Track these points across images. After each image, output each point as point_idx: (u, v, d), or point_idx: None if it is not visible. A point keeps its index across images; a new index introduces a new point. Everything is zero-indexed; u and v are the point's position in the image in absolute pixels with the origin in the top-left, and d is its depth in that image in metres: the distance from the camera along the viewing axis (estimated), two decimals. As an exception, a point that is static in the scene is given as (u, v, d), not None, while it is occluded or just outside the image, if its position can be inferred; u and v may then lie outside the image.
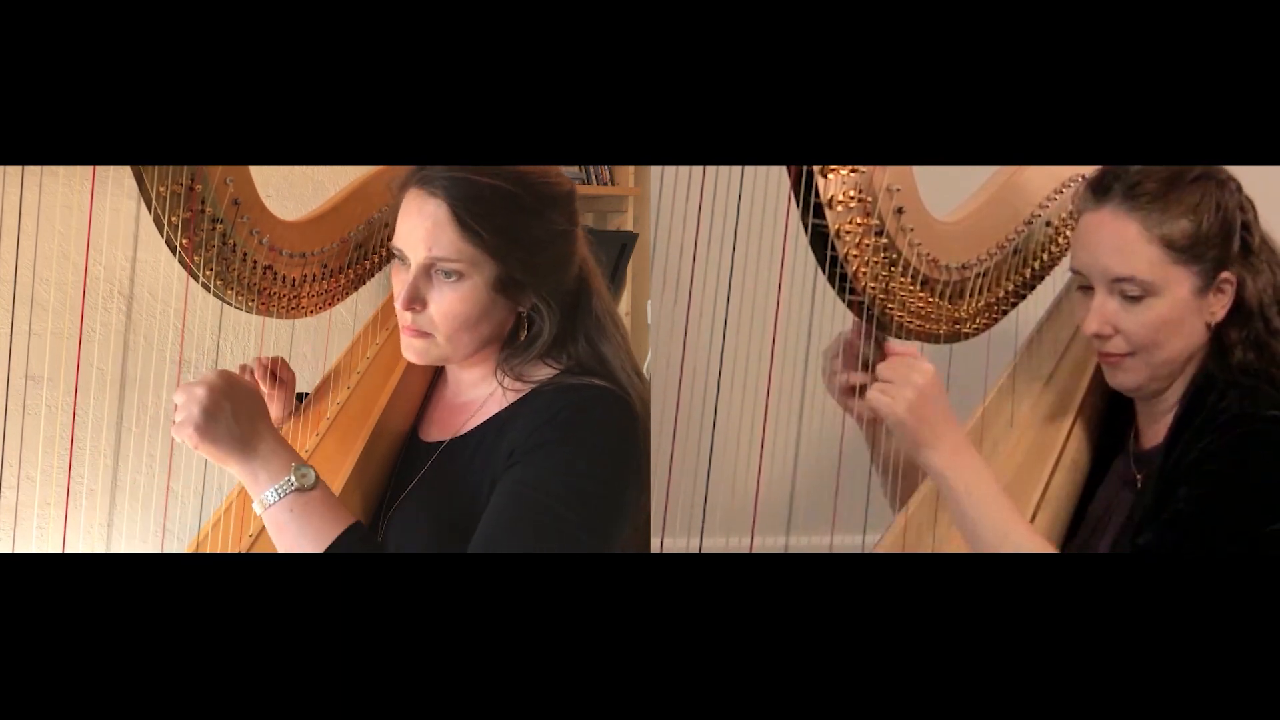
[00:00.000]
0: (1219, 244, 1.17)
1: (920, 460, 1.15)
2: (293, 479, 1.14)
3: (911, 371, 1.13)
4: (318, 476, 1.15)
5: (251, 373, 1.41)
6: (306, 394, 1.46)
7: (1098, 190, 1.20)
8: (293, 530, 1.14)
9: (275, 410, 1.42)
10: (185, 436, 1.14)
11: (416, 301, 1.21)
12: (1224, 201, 1.18)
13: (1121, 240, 1.17)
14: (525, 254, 1.20)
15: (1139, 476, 1.25)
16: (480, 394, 1.29)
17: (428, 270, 1.20)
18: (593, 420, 1.20)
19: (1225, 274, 1.18)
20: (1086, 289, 1.22)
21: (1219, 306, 1.19)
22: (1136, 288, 1.17)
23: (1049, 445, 1.31)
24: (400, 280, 1.22)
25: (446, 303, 1.20)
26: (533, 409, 1.22)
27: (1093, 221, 1.20)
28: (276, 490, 1.14)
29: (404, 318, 1.23)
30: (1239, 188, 1.21)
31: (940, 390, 1.14)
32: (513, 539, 1.13)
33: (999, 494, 1.16)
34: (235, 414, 1.14)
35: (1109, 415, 1.33)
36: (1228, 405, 1.15)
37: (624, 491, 1.19)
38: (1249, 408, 1.14)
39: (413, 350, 1.25)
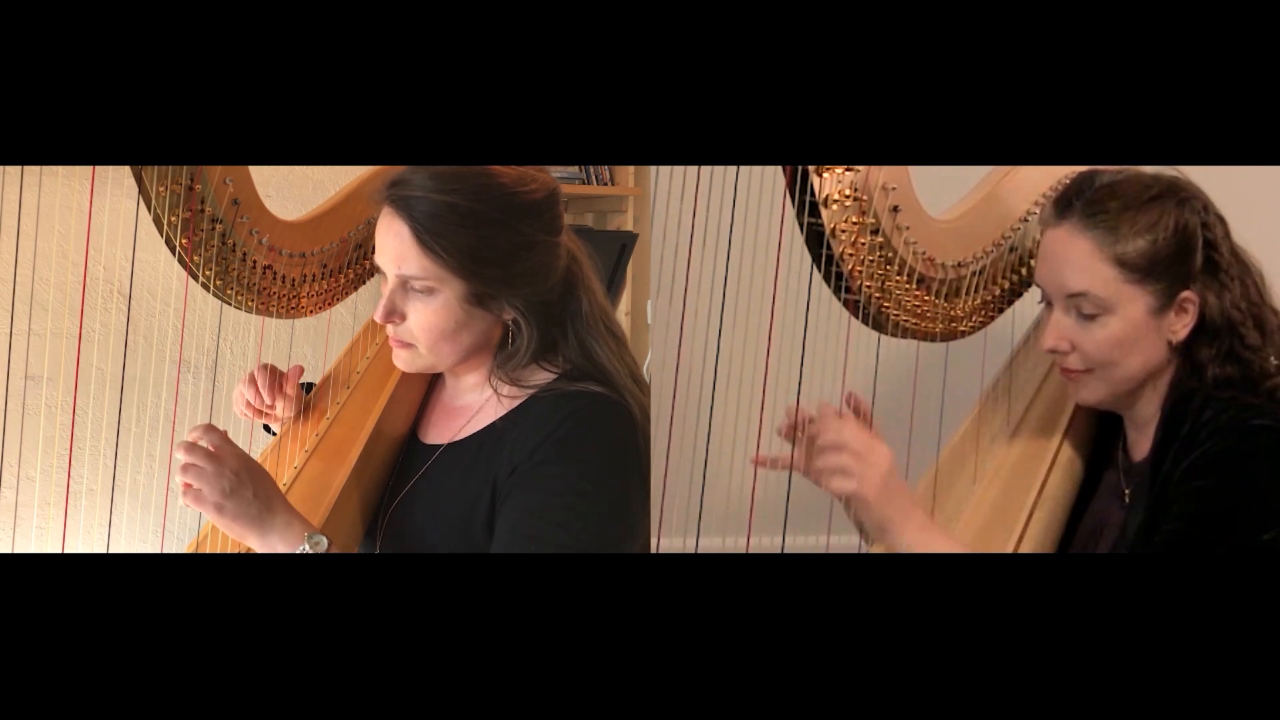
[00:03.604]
0: (1177, 264, 1.17)
1: (887, 542, 1.15)
2: (306, 547, 1.16)
3: (872, 453, 1.14)
4: (329, 542, 1.17)
5: (254, 379, 1.41)
6: (313, 384, 1.47)
7: (1059, 207, 1.21)
8: None
9: (286, 410, 1.42)
10: (205, 510, 1.15)
11: (395, 314, 1.22)
12: (1183, 220, 1.17)
13: (1076, 257, 1.17)
14: (493, 269, 1.19)
15: (1127, 491, 1.25)
16: (477, 399, 1.29)
17: (403, 285, 1.20)
18: (592, 433, 1.20)
19: (1186, 293, 1.18)
20: (1047, 303, 1.23)
21: (1180, 325, 1.18)
22: (1091, 305, 1.17)
23: (1045, 443, 1.31)
24: (384, 291, 1.23)
25: (423, 316, 1.21)
26: (532, 421, 1.21)
27: (1052, 238, 1.20)
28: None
29: (388, 329, 1.24)
30: (1205, 205, 1.20)
31: (897, 471, 1.16)
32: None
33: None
34: (255, 493, 1.16)
35: (1099, 426, 1.33)
36: (1211, 418, 1.14)
37: (629, 502, 1.20)
38: (1233, 419, 1.14)
39: (400, 359, 1.27)
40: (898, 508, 1.14)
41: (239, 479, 1.15)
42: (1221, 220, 1.21)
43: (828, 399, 1.30)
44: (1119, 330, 1.17)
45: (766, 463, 1.19)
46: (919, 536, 1.14)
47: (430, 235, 1.17)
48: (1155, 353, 1.19)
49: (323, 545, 1.16)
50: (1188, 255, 1.17)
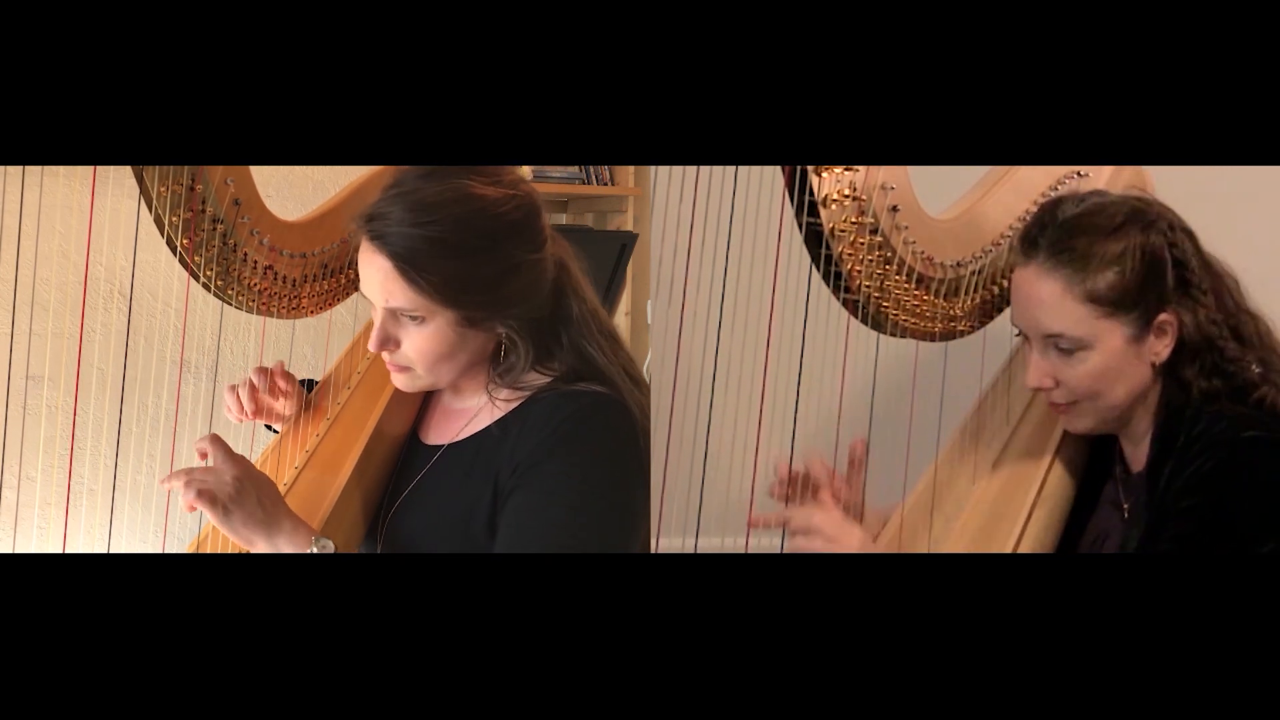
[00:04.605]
0: (1149, 290, 1.16)
1: None
2: (314, 550, 1.17)
3: (842, 537, 1.17)
4: (335, 547, 1.19)
5: (251, 384, 1.41)
6: (316, 381, 1.47)
7: (1025, 245, 1.20)
8: None
9: (289, 408, 1.42)
10: (212, 516, 1.16)
11: (389, 343, 1.22)
12: (1150, 245, 1.17)
13: (1047, 298, 1.17)
14: (480, 295, 1.19)
15: (1126, 505, 1.25)
16: (476, 402, 1.29)
17: (394, 313, 1.20)
18: (592, 430, 1.20)
19: (1164, 315, 1.17)
20: (1027, 340, 1.23)
21: (1162, 347, 1.18)
22: (1069, 342, 1.17)
23: (1045, 443, 1.31)
24: (374, 319, 1.23)
25: (416, 342, 1.21)
26: (532, 421, 1.22)
27: (1022, 278, 1.20)
28: None
29: (384, 355, 1.24)
30: (1170, 224, 1.19)
31: (843, 525, 1.18)
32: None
33: None
34: (260, 499, 1.17)
35: (1097, 437, 1.33)
36: (1204, 430, 1.14)
37: (631, 499, 1.20)
38: (1225, 431, 1.14)
39: (399, 382, 1.27)
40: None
41: (241, 485, 1.16)
42: (1189, 234, 1.20)
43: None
44: (1100, 363, 1.17)
45: (759, 523, 1.21)
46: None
47: (413, 269, 1.16)
48: (1139, 378, 1.19)
49: (329, 548, 1.18)
50: (1159, 279, 1.17)
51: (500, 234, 1.19)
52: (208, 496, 1.14)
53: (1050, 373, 1.20)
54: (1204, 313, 1.18)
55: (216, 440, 1.20)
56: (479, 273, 1.18)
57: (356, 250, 1.23)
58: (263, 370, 1.42)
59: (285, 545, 1.17)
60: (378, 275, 1.18)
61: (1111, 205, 1.20)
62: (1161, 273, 1.17)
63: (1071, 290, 1.16)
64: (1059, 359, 1.19)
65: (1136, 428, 1.23)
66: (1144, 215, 1.19)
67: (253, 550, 1.18)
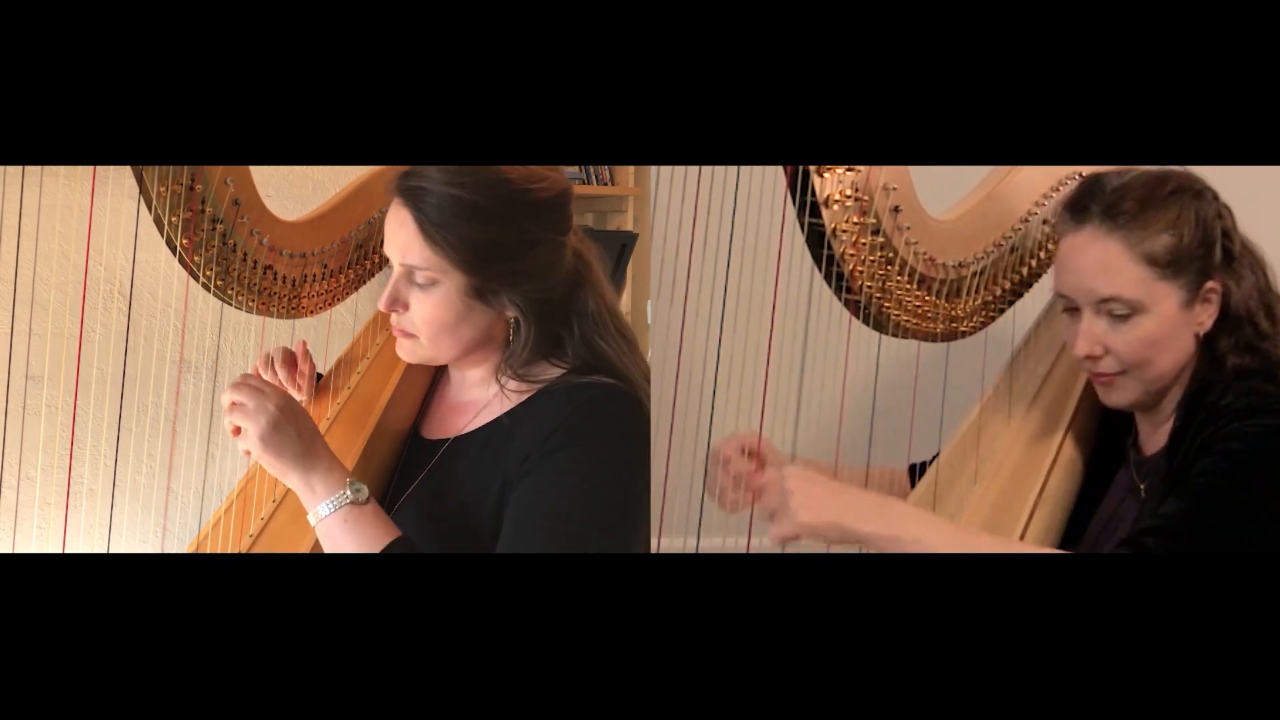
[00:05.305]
0: (1201, 255, 1.17)
1: (854, 539, 1.10)
2: (348, 493, 1.17)
3: (786, 496, 1.09)
4: (369, 492, 1.19)
5: (271, 361, 1.42)
6: (321, 375, 1.47)
7: (1075, 212, 1.20)
8: (344, 541, 1.17)
9: (298, 395, 1.42)
10: (250, 444, 1.17)
11: (398, 303, 1.23)
12: (1202, 212, 1.18)
13: (1105, 261, 1.17)
14: (496, 264, 1.20)
15: (1142, 486, 1.25)
16: (483, 394, 1.30)
17: (408, 274, 1.22)
18: (603, 422, 1.21)
19: (1210, 283, 1.18)
20: (1072, 310, 1.22)
21: (1206, 316, 1.19)
22: (1124, 306, 1.17)
23: (1046, 443, 1.31)
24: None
25: (424, 307, 1.22)
26: (542, 412, 1.22)
27: (1074, 244, 1.20)
28: (332, 502, 1.17)
29: (391, 317, 1.25)
30: (1215, 196, 1.20)
31: (814, 480, 1.10)
32: (532, 550, 1.14)
33: (950, 527, 1.16)
34: (299, 431, 1.18)
35: (1108, 423, 1.33)
36: (1231, 402, 1.14)
37: (638, 493, 1.20)
38: (1255, 402, 1.14)
39: (403, 349, 1.28)
40: (831, 512, 1.09)
41: (282, 414, 1.17)
42: (1229, 211, 1.21)
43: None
44: (1153, 328, 1.17)
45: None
46: (877, 520, 1.09)
47: (434, 227, 1.18)
48: (1186, 347, 1.19)
49: (364, 494, 1.18)
50: (1210, 246, 1.18)
51: (527, 207, 1.21)
52: (247, 420, 1.16)
53: (1100, 340, 1.19)
54: (1245, 286, 1.19)
55: (257, 375, 1.22)
56: (499, 241, 1.20)
57: (384, 215, 1.24)
58: (289, 357, 1.43)
59: (319, 484, 1.17)
60: (400, 231, 1.20)
61: (1159, 173, 1.20)
62: (1212, 240, 1.18)
63: (1129, 251, 1.16)
64: (1111, 326, 1.18)
65: (1165, 407, 1.23)
66: (1193, 184, 1.20)
67: (285, 482, 1.19)
